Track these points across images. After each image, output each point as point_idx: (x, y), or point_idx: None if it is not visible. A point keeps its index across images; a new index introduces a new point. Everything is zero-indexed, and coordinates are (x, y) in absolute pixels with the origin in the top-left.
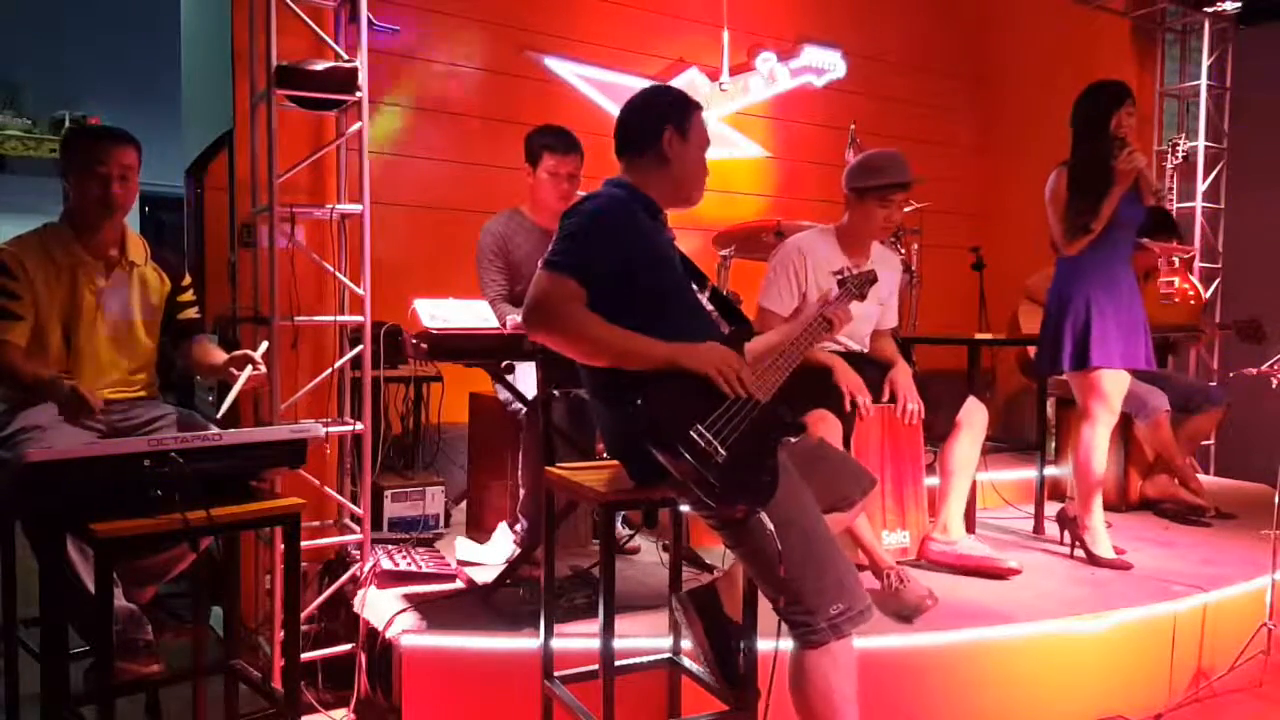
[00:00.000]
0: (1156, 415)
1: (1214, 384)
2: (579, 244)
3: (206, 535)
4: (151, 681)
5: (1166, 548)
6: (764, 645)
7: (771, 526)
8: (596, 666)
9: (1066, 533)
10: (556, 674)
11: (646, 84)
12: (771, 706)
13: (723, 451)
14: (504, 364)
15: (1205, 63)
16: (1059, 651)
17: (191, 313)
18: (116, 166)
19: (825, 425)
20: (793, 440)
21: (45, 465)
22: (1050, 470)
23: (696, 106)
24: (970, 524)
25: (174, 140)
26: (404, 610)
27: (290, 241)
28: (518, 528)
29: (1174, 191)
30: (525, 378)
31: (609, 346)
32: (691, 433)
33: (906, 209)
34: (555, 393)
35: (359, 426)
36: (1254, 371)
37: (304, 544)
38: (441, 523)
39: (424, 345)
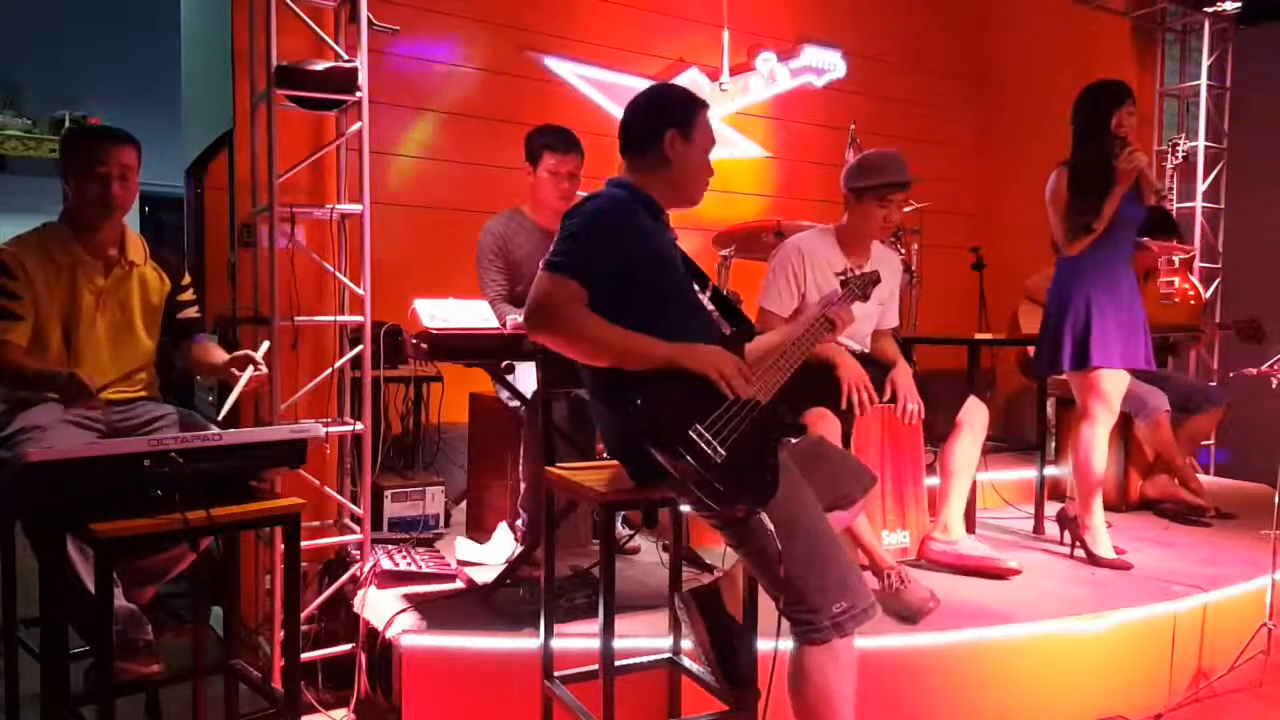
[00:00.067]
0: (1156, 415)
1: (1214, 384)
2: (580, 244)
3: (206, 535)
4: (151, 681)
5: (1166, 548)
6: (764, 645)
7: (772, 526)
8: (596, 666)
9: (1066, 533)
10: (556, 674)
11: (646, 84)
12: (771, 706)
13: (722, 452)
14: (504, 364)
15: (1205, 63)
16: (1059, 651)
17: (191, 312)
18: (116, 166)
19: (824, 423)
20: (793, 441)
21: (45, 465)
22: (1050, 470)
23: (702, 106)
24: (970, 524)
25: (174, 140)
26: (404, 610)
27: (290, 241)
28: (518, 523)
29: (1174, 191)
30: (525, 377)
31: (610, 347)
32: (691, 433)
33: (906, 209)
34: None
35: (359, 426)
36: (1254, 371)
37: (304, 544)
38: (441, 523)
39: (424, 345)
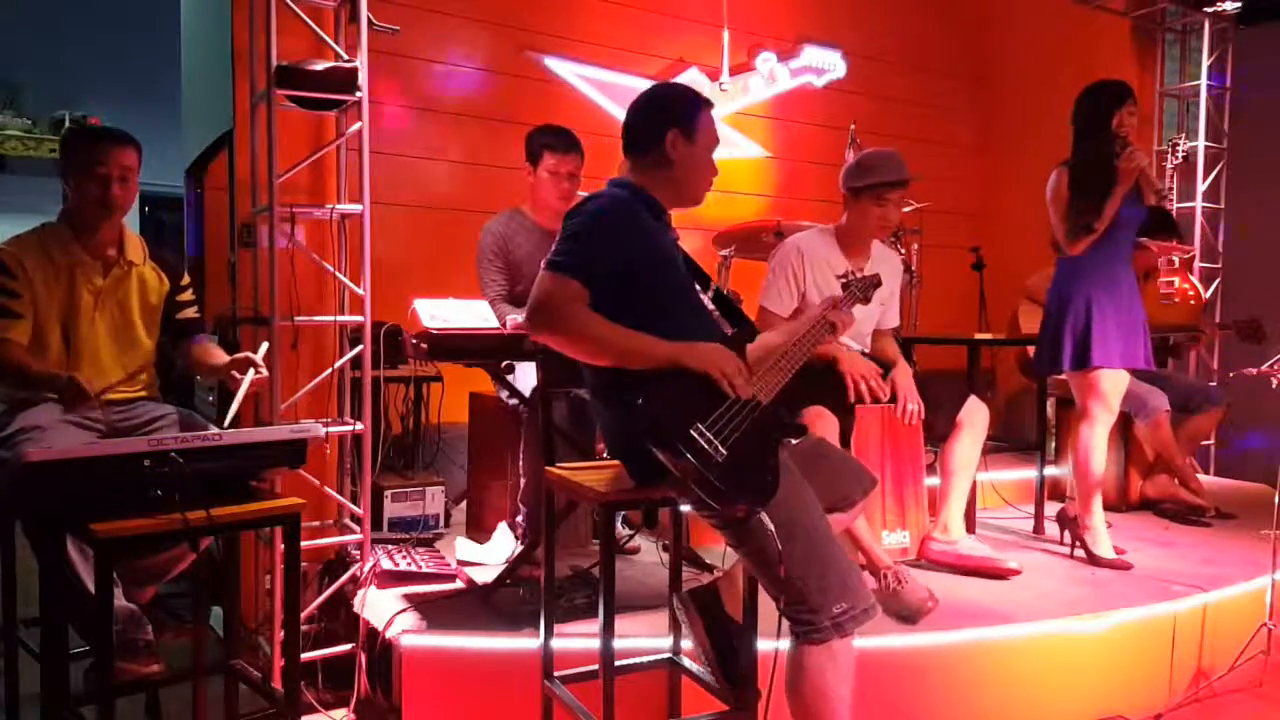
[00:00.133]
0: (1156, 415)
1: (1214, 384)
2: (582, 244)
3: (206, 535)
4: (151, 681)
5: (1166, 548)
6: (764, 645)
7: (773, 526)
8: (596, 666)
9: (1066, 533)
10: (556, 674)
11: (646, 84)
12: (771, 706)
13: (724, 451)
14: (504, 364)
15: (1205, 63)
16: (1059, 651)
17: (190, 312)
18: (116, 168)
19: (821, 422)
20: (794, 442)
21: (45, 465)
22: (1050, 470)
23: (705, 105)
24: (970, 524)
25: (174, 140)
26: (404, 610)
27: (290, 241)
28: (518, 519)
29: (1174, 191)
30: (525, 377)
31: (611, 346)
32: (692, 432)
33: (906, 209)
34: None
35: (359, 426)
36: (1254, 371)
37: (304, 544)
38: (441, 523)
39: (424, 345)
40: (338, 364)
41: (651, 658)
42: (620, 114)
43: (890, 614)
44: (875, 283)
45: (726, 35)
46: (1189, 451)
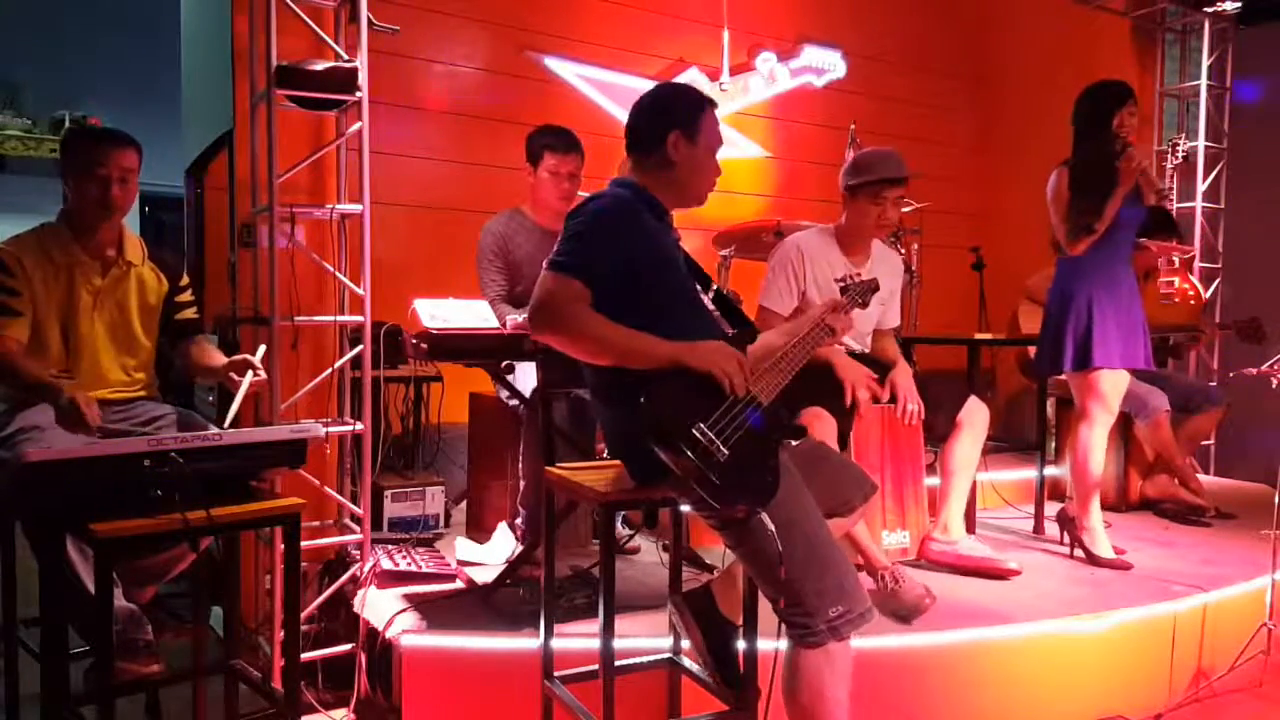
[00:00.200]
0: (1156, 415)
1: (1214, 384)
2: (583, 244)
3: (206, 535)
4: (151, 681)
5: (1166, 548)
6: (764, 645)
7: (772, 527)
8: (596, 666)
9: (1066, 533)
10: (556, 674)
11: (647, 84)
12: (771, 707)
13: (725, 450)
14: (504, 364)
15: (1205, 63)
16: (1059, 651)
17: (190, 313)
18: (116, 169)
19: (819, 423)
20: (794, 443)
21: (45, 465)
22: (1050, 470)
23: (708, 106)
24: (970, 524)
25: (174, 140)
26: (404, 610)
27: (290, 241)
28: (518, 521)
29: (1174, 191)
30: (525, 377)
31: (613, 346)
32: (694, 431)
33: (906, 209)
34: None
35: (359, 426)
36: (1254, 371)
37: (304, 544)
38: (441, 523)
39: (424, 345)
40: (338, 364)
41: (651, 658)
42: (621, 114)
43: (888, 613)
44: (873, 288)
45: (726, 35)
46: (1189, 451)
